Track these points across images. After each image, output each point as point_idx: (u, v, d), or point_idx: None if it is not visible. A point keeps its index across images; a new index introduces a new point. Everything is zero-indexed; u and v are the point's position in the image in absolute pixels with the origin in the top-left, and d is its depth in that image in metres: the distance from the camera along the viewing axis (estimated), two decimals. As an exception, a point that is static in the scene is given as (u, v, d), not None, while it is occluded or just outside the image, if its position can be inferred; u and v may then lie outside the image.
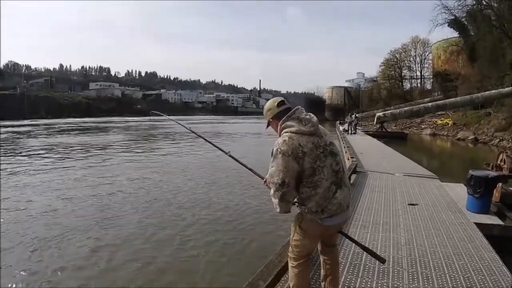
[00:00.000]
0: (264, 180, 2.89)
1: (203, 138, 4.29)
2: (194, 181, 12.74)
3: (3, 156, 19.25)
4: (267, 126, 2.99)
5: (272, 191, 2.66)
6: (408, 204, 7.14)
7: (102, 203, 9.70)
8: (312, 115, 2.79)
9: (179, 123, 4.32)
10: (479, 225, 5.94)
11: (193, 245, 6.89)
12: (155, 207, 9.43)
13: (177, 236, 7.39)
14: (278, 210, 2.68)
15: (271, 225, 8.03)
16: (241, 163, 3.54)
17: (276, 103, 2.85)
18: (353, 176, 9.98)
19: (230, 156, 3.67)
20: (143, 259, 6.24)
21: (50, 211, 8.99)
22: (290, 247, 2.96)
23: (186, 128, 4.53)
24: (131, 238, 7.25)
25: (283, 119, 2.76)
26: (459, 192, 8.26)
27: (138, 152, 21.85)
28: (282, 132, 2.73)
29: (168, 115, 5.79)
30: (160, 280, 5.58)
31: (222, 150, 3.77)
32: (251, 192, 10.82)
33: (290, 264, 2.99)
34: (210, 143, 4.08)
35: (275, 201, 2.65)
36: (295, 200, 2.74)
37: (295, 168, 2.56)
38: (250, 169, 3.43)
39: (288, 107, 2.84)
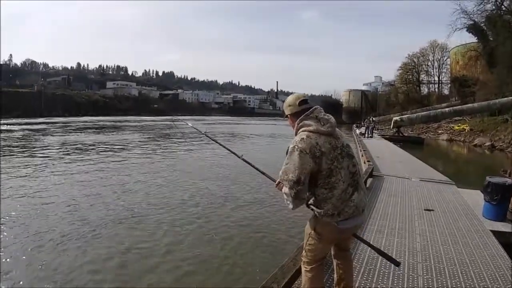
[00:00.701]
0: (277, 183, 2.86)
1: (217, 142, 4.30)
2: (212, 180, 12.82)
3: (19, 153, 19.54)
4: (285, 117, 2.97)
5: (286, 189, 2.61)
6: (424, 210, 7.07)
7: (120, 201, 9.81)
8: (330, 116, 2.78)
9: (196, 128, 4.31)
10: (495, 232, 5.85)
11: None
12: (174, 205, 9.53)
13: (195, 232, 7.51)
14: (291, 207, 2.66)
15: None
16: (253, 166, 3.57)
17: (298, 101, 2.83)
18: (370, 180, 9.95)
19: (243, 160, 3.65)
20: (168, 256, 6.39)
21: (72, 207, 9.15)
22: (304, 251, 2.93)
23: (201, 133, 4.54)
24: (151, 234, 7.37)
25: (301, 117, 2.74)
26: (476, 198, 8.10)
27: (155, 151, 21.91)
28: (300, 131, 2.72)
29: (184, 115, 5.82)
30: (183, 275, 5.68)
31: (235, 154, 3.80)
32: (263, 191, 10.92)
33: (303, 268, 2.94)
34: (224, 147, 4.10)
35: (289, 198, 2.61)
36: (310, 203, 2.72)
37: (311, 166, 2.55)
38: (263, 172, 3.44)
39: (309, 107, 2.81)
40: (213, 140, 4.32)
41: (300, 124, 2.74)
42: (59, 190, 10.96)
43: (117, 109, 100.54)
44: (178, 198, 10.29)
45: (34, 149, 21.37)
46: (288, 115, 2.90)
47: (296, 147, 2.59)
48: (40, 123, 52.97)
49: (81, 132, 36.31)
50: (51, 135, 32.57)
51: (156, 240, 7.09)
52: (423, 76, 71.10)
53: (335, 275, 3.17)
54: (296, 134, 2.75)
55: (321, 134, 2.64)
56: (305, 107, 2.81)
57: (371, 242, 4.76)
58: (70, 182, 12.20)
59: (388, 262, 3.04)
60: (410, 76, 70.52)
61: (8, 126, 43.53)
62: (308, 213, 2.83)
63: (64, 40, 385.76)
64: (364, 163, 13.31)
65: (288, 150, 2.65)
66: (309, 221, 2.85)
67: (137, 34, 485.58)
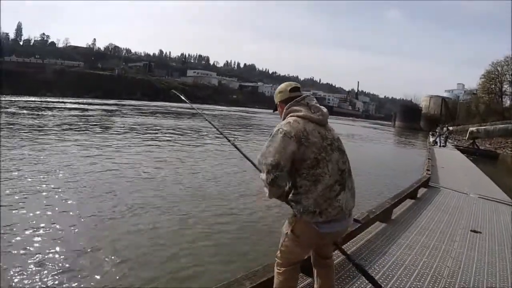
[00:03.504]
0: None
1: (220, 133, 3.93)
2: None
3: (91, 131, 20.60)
4: (274, 110, 2.74)
5: (263, 174, 2.31)
6: (471, 231, 6.30)
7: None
8: (323, 107, 2.51)
9: (212, 124, 3.94)
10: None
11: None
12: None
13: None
14: (267, 195, 2.38)
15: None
16: (243, 154, 3.19)
17: (290, 88, 2.60)
18: (422, 190, 9.12)
19: (233, 145, 3.40)
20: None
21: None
22: (278, 252, 2.59)
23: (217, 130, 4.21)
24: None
25: (290, 103, 2.51)
26: (535, 227, 7.16)
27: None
28: (288, 117, 2.45)
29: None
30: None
31: (227, 139, 3.53)
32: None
33: (276, 270, 2.62)
34: (217, 129, 3.75)
35: (265, 184, 2.32)
36: (290, 198, 2.39)
37: (294, 151, 2.27)
38: (251, 161, 3.03)
39: (299, 94, 2.57)
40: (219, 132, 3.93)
41: (289, 109, 2.49)
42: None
43: (196, 97, 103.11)
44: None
45: (108, 128, 22.54)
46: (278, 103, 2.65)
47: (280, 129, 2.32)
48: (117, 104, 56.21)
49: (159, 116, 37.81)
50: (126, 116, 34.44)
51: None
52: (506, 87, 65.64)
53: (315, 285, 2.83)
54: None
55: (310, 121, 2.37)
56: (296, 94, 2.55)
57: (393, 258, 4.31)
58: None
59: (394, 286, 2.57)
60: (493, 86, 65.48)
61: (84, 105, 46.55)
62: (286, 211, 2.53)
63: (149, 26, 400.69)
64: (424, 172, 12.43)
65: (271, 133, 2.36)
66: (287, 219, 2.51)
67: (220, 24, 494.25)
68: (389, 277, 3.87)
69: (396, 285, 3.71)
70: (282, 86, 2.66)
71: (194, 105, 4.34)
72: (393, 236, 5.37)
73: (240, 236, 6.68)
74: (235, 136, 22.89)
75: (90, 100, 61.29)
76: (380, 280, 3.71)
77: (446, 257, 4.81)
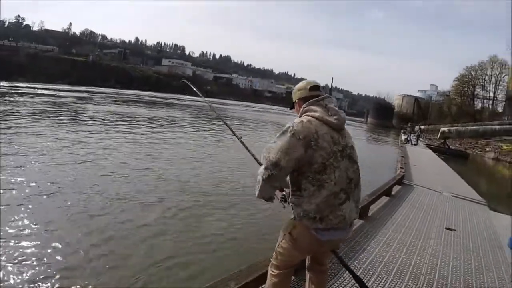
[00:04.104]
0: None
1: (225, 123, 3.84)
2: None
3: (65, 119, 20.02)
4: (291, 108, 2.59)
5: (261, 168, 2.23)
6: (445, 228, 6.40)
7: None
8: (341, 110, 2.36)
9: (223, 121, 3.82)
10: (517, 269, 5.15)
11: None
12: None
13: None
14: (257, 192, 2.27)
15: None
16: (249, 151, 3.07)
17: (310, 86, 2.46)
18: (397, 187, 9.23)
19: (241, 141, 3.23)
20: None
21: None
22: (274, 253, 2.49)
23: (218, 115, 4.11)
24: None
25: (308, 101, 2.37)
26: (506, 225, 7.27)
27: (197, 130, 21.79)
28: (303, 115, 2.32)
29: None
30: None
31: (235, 135, 3.31)
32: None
33: (270, 271, 2.53)
34: (230, 128, 3.63)
35: (259, 179, 2.22)
36: (292, 200, 2.28)
37: (299, 155, 2.13)
38: (256, 159, 2.88)
39: (319, 94, 2.43)
40: (223, 121, 3.84)
41: (306, 108, 2.36)
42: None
43: (170, 86, 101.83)
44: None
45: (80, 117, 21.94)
46: (296, 101, 2.52)
47: (291, 128, 2.19)
48: (90, 91, 54.96)
49: (131, 105, 37.17)
50: (98, 104, 33.53)
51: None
52: (478, 90, 67.65)
53: None
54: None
55: (325, 123, 2.24)
56: (316, 93, 2.42)
57: (373, 255, 4.33)
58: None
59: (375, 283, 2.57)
60: (466, 89, 67.36)
61: (56, 92, 45.18)
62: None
63: (124, 13, 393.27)
64: (398, 169, 12.58)
65: (283, 128, 2.24)
66: (287, 221, 2.41)
67: (194, 16, 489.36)
68: (370, 274, 3.87)
69: (377, 282, 3.71)
70: (302, 84, 2.53)
71: (208, 99, 4.24)
72: (371, 233, 5.39)
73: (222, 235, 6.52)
74: (207, 127, 22.71)
75: (61, 86, 59.57)
76: (361, 277, 3.71)
77: (424, 254, 4.87)
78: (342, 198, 2.21)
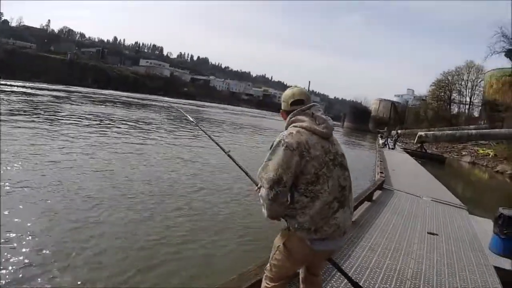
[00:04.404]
0: (258, 187, 2.36)
1: (207, 134, 3.83)
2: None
3: (43, 118, 19.63)
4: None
5: (264, 190, 2.16)
6: (428, 233, 6.50)
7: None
8: (329, 117, 2.34)
9: (211, 138, 3.82)
10: (498, 269, 5.23)
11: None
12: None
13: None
14: (266, 214, 2.22)
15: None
16: (238, 165, 3.04)
17: (291, 101, 2.40)
18: (378, 193, 9.32)
19: (228, 155, 3.20)
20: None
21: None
22: (268, 265, 2.45)
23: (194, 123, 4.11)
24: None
25: (294, 111, 2.34)
26: (486, 228, 7.41)
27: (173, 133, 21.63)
28: (291, 126, 2.30)
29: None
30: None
31: (222, 149, 3.30)
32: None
33: (264, 284, 2.48)
34: (213, 140, 3.61)
35: (266, 201, 2.16)
36: (286, 212, 2.24)
37: (297, 166, 2.11)
38: (246, 173, 2.92)
39: (304, 105, 2.38)
40: (206, 133, 3.83)
41: (293, 118, 2.33)
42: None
43: (147, 87, 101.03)
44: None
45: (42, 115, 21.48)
46: (282, 110, 2.49)
47: (282, 141, 2.16)
48: (67, 91, 54.12)
49: (108, 105, 36.66)
50: (76, 104, 32.97)
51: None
52: (455, 95, 69.10)
53: None
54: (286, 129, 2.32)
55: (314, 133, 2.22)
56: (298, 108, 2.38)
57: (359, 261, 4.35)
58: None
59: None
60: (442, 94, 68.79)
61: (33, 90, 44.45)
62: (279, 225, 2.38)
63: (105, 11, 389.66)
64: (377, 174, 12.71)
65: (272, 145, 2.21)
66: (280, 232, 2.38)
67: (176, 17, 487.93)
68: (357, 280, 3.84)
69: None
70: (287, 95, 2.47)
71: (186, 106, 4.21)
72: (355, 238, 5.42)
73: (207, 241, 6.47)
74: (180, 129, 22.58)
75: (38, 85, 58.47)
76: (348, 285, 3.73)
77: (408, 259, 4.93)
78: (335, 207, 2.20)
